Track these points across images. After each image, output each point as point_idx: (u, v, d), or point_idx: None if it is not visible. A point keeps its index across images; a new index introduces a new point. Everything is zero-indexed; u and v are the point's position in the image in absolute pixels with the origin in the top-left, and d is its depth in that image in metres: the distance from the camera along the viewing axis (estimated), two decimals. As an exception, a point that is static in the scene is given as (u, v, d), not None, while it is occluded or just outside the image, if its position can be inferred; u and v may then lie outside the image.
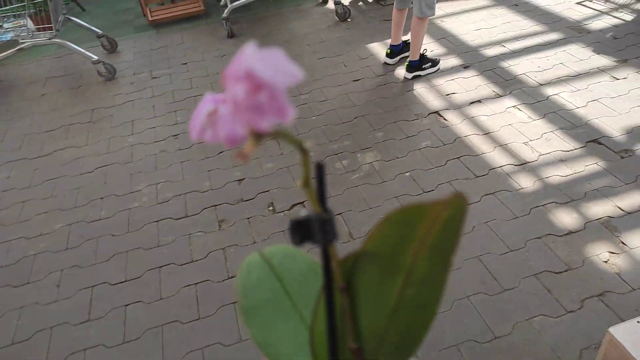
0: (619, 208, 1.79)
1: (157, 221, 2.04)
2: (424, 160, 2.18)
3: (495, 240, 1.76)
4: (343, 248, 1.66)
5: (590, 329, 1.43)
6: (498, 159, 2.13)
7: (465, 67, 2.84)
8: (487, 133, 2.29)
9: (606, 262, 1.61)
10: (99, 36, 3.53)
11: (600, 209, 1.80)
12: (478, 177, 2.05)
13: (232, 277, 1.75)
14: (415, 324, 0.35)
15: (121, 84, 3.16)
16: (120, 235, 1.99)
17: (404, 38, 2.97)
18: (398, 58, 2.98)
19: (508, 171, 2.05)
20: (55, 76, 3.35)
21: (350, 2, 4.00)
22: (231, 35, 3.62)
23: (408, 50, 2.93)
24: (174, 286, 1.74)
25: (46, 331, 1.64)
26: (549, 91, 2.51)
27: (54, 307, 1.72)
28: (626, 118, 2.24)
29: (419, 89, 2.71)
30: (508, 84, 2.62)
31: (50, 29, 3.13)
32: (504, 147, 2.19)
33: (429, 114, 2.49)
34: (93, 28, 3.51)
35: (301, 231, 0.31)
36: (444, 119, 2.44)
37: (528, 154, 2.12)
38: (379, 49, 3.18)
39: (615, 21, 3.08)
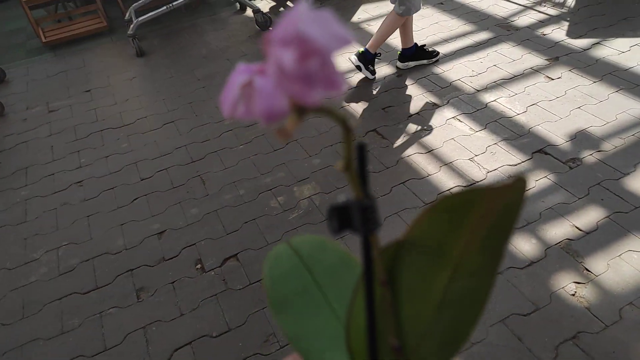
0: (577, 228, 1.67)
1: (60, 299, 1.68)
2: (367, 189, 1.98)
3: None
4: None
5: (568, 379, 1.28)
6: (445, 180, 1.96)
7: (398, 76, 2.67)
8: (430, 150, 2.12)
9: (574, 295, 1.48)
10: (-21, 66, 3.02)
11: (558, 231, 1.68)
12: (427, 204, 1.87)
13: (157, 365, 1.45)
14: (462, 319, 0.32)
15: (11, 122, 2.71)
16: (11, 325, 1.62)
17: (414, 40, 2.69)
18: (412, 64, 2.71)
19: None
20: None
21: (270, 9, 3.73)
22: (140, 53, 3.23)
23: (425, 57, 2.71)
24: (84, 387, 1.42)
25: None
26: (487, 97, 2.39)
27: None
28: (567, 122, 2.15)
29: (353, 103, 2.50)
30: (444, 92, 2.47)
31: None
32: (449, 165, 2.03)
33: (366, 133, 2.29)
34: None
35: (340, 218, 0.28)
36: (383, 137, 2.25)
37: (475, 172, 1.97)
38: (306, 61, 2.94)
39: (541, 16, 3.04)
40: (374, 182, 2.01)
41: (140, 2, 3.33)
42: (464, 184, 1.92)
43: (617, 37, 2.70)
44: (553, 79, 2.45)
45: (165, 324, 1.56)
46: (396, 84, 2.60)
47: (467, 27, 3.02)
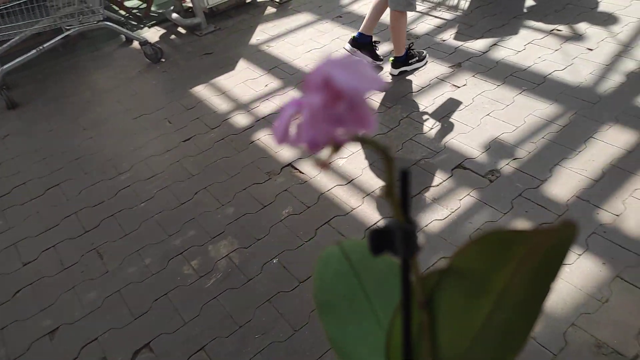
0: (508, 248, 1.62)
1: None
2: (290, 236, 1.80)
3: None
4: None
5: None
6: (370, 213, 1.84)
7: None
8: (350, 181, 1.99)
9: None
10: None
11: (491, 254, 1.61)
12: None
13: None
14: (502, 349, 0.32)
15: None
16: None
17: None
18: (406, 69, 2.58)
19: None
20: None
21: (160, 37, 3.43)
22: (12, 105, 2.81)
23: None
24: None
25: None
26: (399, 114, 2.31)
27: None
28: (480, 132, 2.12)
29: (264, 137, 2.32)
30: (389, 99, 2.36)
31: None
32: (372, 195, 1.91)
33: (282, 169, 2.11)
34: None
35: (381, 241, 0.29)
36: (300, 172, 2.08)
37: (400, 199, 1.87)
38: (207, 93, 2.71)
39: (437, 21, 3.05)
40: (296, 226, 1.84)
41: (3, 47, 2.90)
42: (390, 215, 1.81)
43: (511, 36, 2.76)
44: (459, 87, 2.43)
45: None
46: (305, 109, 2.45)
47: (368, 40, 2.95)
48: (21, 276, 1.79)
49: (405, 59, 2.55)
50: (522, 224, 1.69)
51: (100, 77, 3.05)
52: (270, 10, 3.55)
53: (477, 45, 2.74)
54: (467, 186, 1.87)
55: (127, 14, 3.80)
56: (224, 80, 2.80)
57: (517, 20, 2.92)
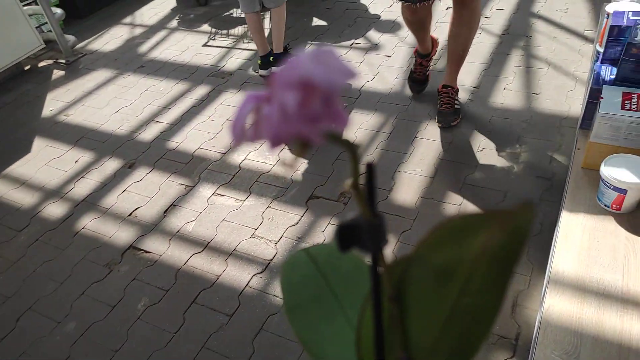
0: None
1: None
2: (154, 333, 1.53)
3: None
4: None
5: None
6: (239, 273, 1.68)
7: (130, 167, 2.24)
8: (205, 246, 1.80)
9: None
10: None
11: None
12: (232, 316, 1.56)
13: None
14: (470, 335, 0.32)
15: None
16: None
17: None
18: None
19: (256, 286, 1.63)
20: None
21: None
22: None
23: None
24: None
25: None
26: (237, 158, 2.20)
27: None
28: (319, 157, 2.13)
29: (90, 222, 1.97)
30: (190, 169, 2.17)
31: None
32: (234, 255, 1.75)
33: (123, 255, 1.81)
34: None
35: (348, 236, 0.29)
36: (146, 251, 1.82)
37: (264, 250, 1.75)
38: (1, 187, 2.22)
39: (247, 53, 3.02)
40: (158, 317, 1.58)
41: None
42: (259, 270, 1.68)
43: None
44: (287, 116, 2.42)
45: None
46: (132, 178, 2.17)
47: (182, 86, 2.78)
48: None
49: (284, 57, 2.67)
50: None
51: None
52: (58, 73, 3.11)
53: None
54: (325, 215, 1.84)
55: None
56: (20, 167, 2.34)
57: (319, 42, 3.06)
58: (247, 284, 1.64)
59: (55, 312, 1.64)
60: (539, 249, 1.56)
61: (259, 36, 2.58)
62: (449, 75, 2.14)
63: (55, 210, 2.06)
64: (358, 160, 0.27)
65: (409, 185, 1.90)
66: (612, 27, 1.56)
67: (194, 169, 2.17)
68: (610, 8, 1.65)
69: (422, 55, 2.27)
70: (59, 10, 3.30)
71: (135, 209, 2.01)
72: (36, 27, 3.17)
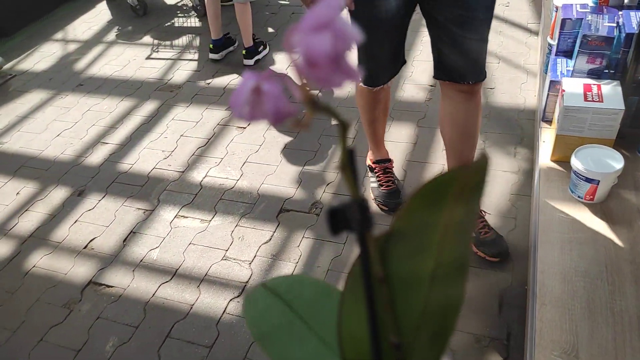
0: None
1: None
2: (128, 376, 1.41)
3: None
4: None
5: None
6: (214, 300, 1.58)
7: (79, 194, 2.07)
8: (174, 274, 1.69)
9: None
10: None
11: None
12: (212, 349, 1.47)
13: None
14: (447, 307, 0.32)
15: None
16: None
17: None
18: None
19: (235, 312, 1.55)
20: None
21: None
22: None
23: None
24: None
25: None
26: (197, 176, 2.09)
27: None
28: (284, 168, 2.06)
29: (41, 259, 1.80)
30: (147, 191, 2.04)
31: None
32: (206, 280, 1.65)
33: (83, 292, 1.67)
34: None
35: (337, 220, 0.29)
36: (108, 286, 1.68)
37: (237, 272, 1.66)
38: None
39: (193, 64, 2.89)
40: (130, 357, 1.46)
41: None
42: (235, 295, 1.59)
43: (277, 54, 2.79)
44: (245, 127, 2.34)
45: None
46: (84, 206, 2.01)
47: (127, 103, 2.62)
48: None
49: (255, 49, 2.71)
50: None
51: None
52: (-14, 98, 2.85)
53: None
54: (298, 229, 1.78)
55: None
56: (-48, 205, 2.11)
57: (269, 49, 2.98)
58: (224, 311, 1.55)
59: (10, 366, 1.48)
60: (517, 244, 1.58)
61: (215, 21, 2.70)
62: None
63: (-2, 250, 1.87)
64: (346, 136, 0.28)
65: (314, 181, 1.87)
66: (563, 20, 1.60)
67: (152, 191, 2.04)
68: (558, 1, 1.70)
69: (383, 160, 1.81)
70: (-20, 29, 3.02)
71: (91, 240, 1.85)
72: (-45, 49, 2.88)
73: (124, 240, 1.84)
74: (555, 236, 1.24)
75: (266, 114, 0.25)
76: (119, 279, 1.69)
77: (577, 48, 1.49)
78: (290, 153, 2.13)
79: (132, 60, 3.01)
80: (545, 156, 1.49)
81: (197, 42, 3.11)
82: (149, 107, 2.56)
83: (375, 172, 1.82)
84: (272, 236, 1.77)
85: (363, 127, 1.74)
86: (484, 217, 1.61)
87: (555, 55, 1.65)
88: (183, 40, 3.16)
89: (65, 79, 2.92)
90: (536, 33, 2.61)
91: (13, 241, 1.90)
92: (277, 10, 3.31)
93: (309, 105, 0.25)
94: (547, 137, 1.55)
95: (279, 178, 2.01)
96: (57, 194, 2.09)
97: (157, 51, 3.07)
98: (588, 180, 1.27)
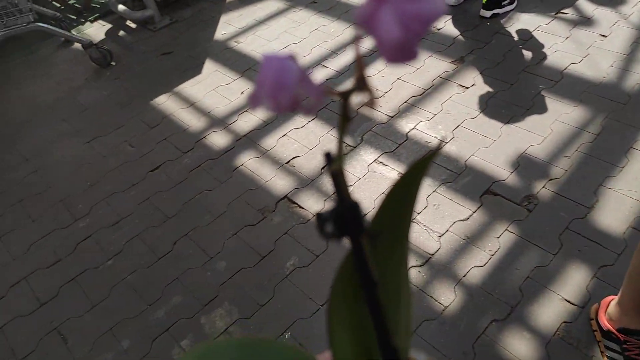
0: (570, 302, 1.37)
1: None
2: (300, 298, 1.48)
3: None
4: None
5: None
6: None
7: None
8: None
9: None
10: None
11: (549, 312, 1.35)
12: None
13: None
14: (409, 300, 0.33)
15: None
16: None
17: None
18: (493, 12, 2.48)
19: (413, 282, 1.48)
20: None
21: (107, 34, 2.93)
22: None
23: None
24: None
25: None
26: (405, 125, 2.00)
27: None
28: (502, 145, 1.84)
29: (249, 160, 1.95)
30: (353, 127, 2.03)
31: None
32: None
33: (277, 204, 1.77)
34: None
35: (329, 225, 0.27)
36: (300, 207, 1.75)
37: (426, 241, 1.58)
38: (172, 105, 2.29)
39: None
40: (303, 284, 1.52)
41: None
42: (418, 264, 1.52)
43: (513, 23, 2.47)
44: (467, 88, 2.13)
45: None
46: (294, 124, 2.09)
47: (352, 30, 2.59)
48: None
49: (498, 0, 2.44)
50: (577, 268, 1.44)
51: (39, 88, 2.55)
52: (234, -4, 3.10)
53: (477, 34, 2.43)
54: (502, 219, 1.60)
55: (62, 6, 3.24)
56: (191, 87, 2.39)
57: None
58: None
59: (208, 246, 1.66)
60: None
61: None
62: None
63: (218, 139, 2.07)
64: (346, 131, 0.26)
65: (617, 208, 1.56)
66: None
67: (357, 128, 2.02)
68: None
69: None
70: None
71: (293, 158, 1.94)
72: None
73: (322, 168, 1.87)
74: None
75: (311, 93, 0.24)
76: (310, 204, 1.75)
77: None
78: (512, 130, 1.89)
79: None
80: None
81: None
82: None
83: (626, 347, 1.19)
84: (470, 215, 1.62)
85: (629, 278, 1.14)
86: None
87: None
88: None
89: (302, -7, 3.00)
90: None
91: (230, 136, 2.08)
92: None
93: (362, 84, 0.24)
94: None
95: (493, 154, 1.81)
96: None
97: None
98: None
